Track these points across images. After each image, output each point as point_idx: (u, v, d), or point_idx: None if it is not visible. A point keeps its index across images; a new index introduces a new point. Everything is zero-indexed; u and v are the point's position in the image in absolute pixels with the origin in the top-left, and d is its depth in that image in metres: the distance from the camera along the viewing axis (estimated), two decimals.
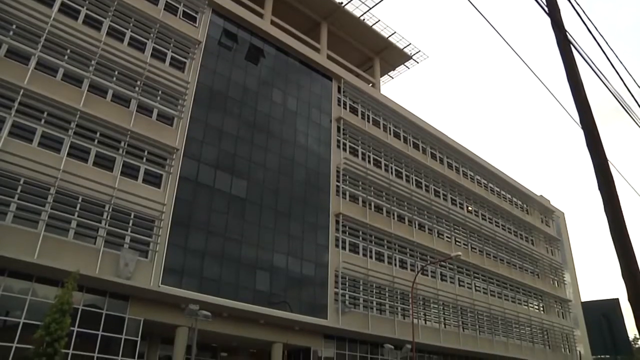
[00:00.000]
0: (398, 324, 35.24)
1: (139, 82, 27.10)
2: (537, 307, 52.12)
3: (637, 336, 49.12)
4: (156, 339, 28.41)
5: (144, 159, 26.39)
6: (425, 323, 38.10)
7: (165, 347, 28.27)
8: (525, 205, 57.55)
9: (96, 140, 24.84)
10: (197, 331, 21.97)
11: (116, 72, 26.42)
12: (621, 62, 9.71)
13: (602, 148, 7.79)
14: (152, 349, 28.27)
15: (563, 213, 67.19)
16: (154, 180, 26.58)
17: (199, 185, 28.18)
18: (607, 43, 9.14)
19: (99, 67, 25.80)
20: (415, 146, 44.53)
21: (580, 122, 8.04)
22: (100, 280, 22.81)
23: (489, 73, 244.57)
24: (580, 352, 53.04)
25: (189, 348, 23.22)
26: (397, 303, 36.18)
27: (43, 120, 23.23)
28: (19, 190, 21.59)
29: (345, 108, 39.07)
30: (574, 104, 8.11)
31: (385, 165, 40.47)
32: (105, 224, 23.86)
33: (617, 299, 7.28)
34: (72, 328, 18.73)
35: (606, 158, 7.74)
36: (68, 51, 24.92)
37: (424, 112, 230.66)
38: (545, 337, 51.01)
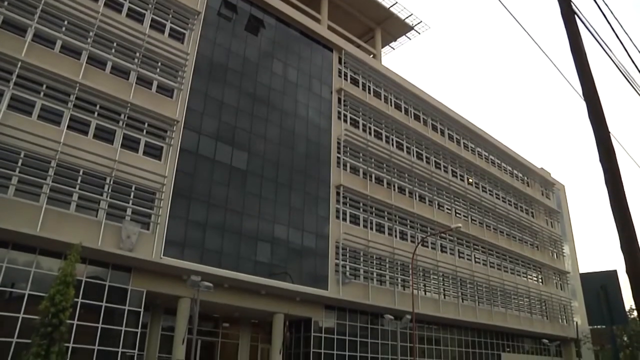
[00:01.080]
0: (398, 295, 35.62)
1: (138, 54, 26.86)
2: (535, 278, 52.63)
3: (633, 307, 49.72)
4: (159, 309, 28.77)
5: (144, 131, 26.32)
6: (425, 294, 38.51)
7: (167, 317, 28.63)
8: (525, 178, 57.59)
9: (96, 113, 24.74)
10: (199, 302, 22.21)
11: (115, 44, 26.15)
12: (626, 33, 9.59)
13: (605, 120, 7.75)
14: (155, 320, 28.64)
15: (563, 186, 67.27)
16: (154, 152, 26.56)
17: (199, 157, 28.16)
18: (612, 13, 9.01)
19: (97, 38, 25.52)
20: (417, 118, 44.34)
21: (583, 94, 7.98)
22: (102, 253, 23.00)
23: (491, 44, 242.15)
24: (577, 322, 53.74)
25: (191, 319, 23.50)
26: (397, 274, 36.51)
27: (42, 93, 23.10)
28: (19, 164, 21.61)
29: (346, 79, 38.78)
30: (577, 76, 8.05)
31: (386, 136, 40.36)
32: (107, 197, 23.95)
33: (615, 270, 7.32)
34: (76, 299, 18.94)
35: (608, 131, 7.71)
36: (65, 22, 24.63)
37: (425, 83, 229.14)
38: (544, 308, 51.61)
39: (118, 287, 24.42)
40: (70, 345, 20.59)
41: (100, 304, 23.58)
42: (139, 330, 24.92)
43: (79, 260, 16.85)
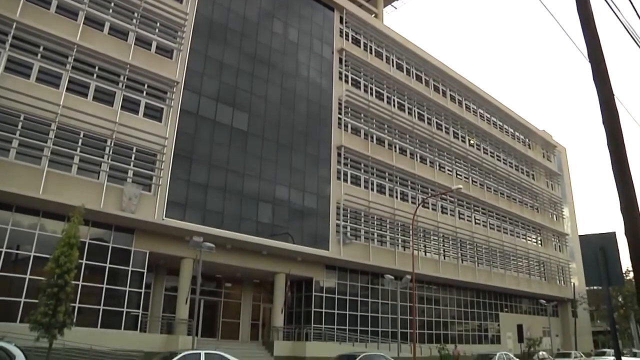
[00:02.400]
0: (398, 255, 36.01)
1: (136, 14, 26.43)
2: (535, 240, 53.12)
3: (629, 269, 50.45)
4: (162, 270, 29.16)
5: (144, 92, 26.13)
6: (425, 254, 38.92)
7: (171, 278, 29.05)
8: (527, 140, 57.44)
9: (95, 75, 24.51)
10: (202, 262, 22.48)
11: (112, 4, 25.69)
12: None
13: (609, 82, 7.68)
14: (158, 280, 29.06)
15: (565, 148, 67.14)
16: (154, 114, 26.44)
17: (200, 119, 28.04)
18: None
19: None
20: (418, 79, 43.91)
21: (588, 54, 7.88)
22: (105, 214, 23.16)
23: (494, 4, 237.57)
24: (574, 283, 54.50)
25: (194, 279, 23.83)
26: (397, 235, 36.83)
27: (39, 55, 22.81)
28: (20, 127, 21.54)
29: (347, 39, 38.24)
30: (582, 37, 7.93)
31: (388, 97, 40.06)
32: (108, 159, 23.95)
33: (614, 232, 7.35)
34: (80, 261, 19.20)
35: (612, 93, 7.64)
36: None
37: (428, 44, 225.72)
38: (542, 269, 52.25)
39: (121, 248, 24.69)
40: (77, 305, 21.01)
41: (104, 265, 23.89)
42: (142, 291, 25.32)
43: (81, 222, 17.01)
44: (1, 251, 21.04)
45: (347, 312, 33.69)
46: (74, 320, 16.86)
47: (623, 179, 7.25)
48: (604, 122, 7.60)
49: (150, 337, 25.16)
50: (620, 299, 52.75)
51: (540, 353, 33.63)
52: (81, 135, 23.35)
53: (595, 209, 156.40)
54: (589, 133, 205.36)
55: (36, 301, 16.44)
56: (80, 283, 22.06)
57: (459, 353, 34.45)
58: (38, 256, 21.37)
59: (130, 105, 25.55)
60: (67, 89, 23.39)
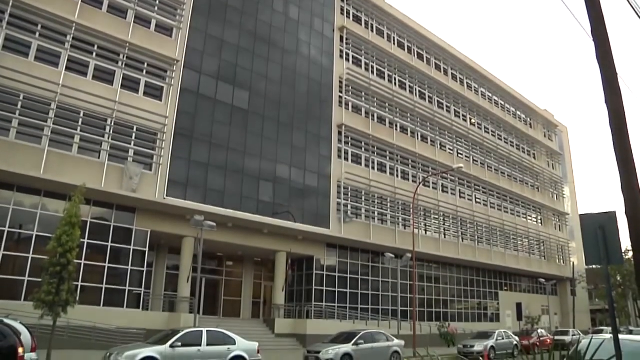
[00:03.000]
0: (399, 234, 36.15)
1: None
2: (535, 219, 53.24)
3: (629, 248, 50.67)
4: (164, 249, 29.32)
5: (144, 71, 25.99)
6: (426, 233, 39.06)
7: (172, 256, 29.23)
8: (528, 119, 57.20)
9: (94, 54, 24.34)
10: (203, 241, 22.58)
11: None
12: None
13: (613, 61, 7.62)
14: (160, 259, 29.24)
15: (566, 127, 66.89)
16: (155, 92, 26.32)
17: (200, 97, 27.91)
18: None
19: None
20: (420, 57, 43.57)
21: (592, 33, 7.81)
22: (106, 194, 23.21)
23: None
24: (573, 263, 54.77)
25: (195, 257, 23.96)
26: (398, 213, 36.92)
27: (38, 34, 22.62)
28: (19, 106, 21.48)
29: (348, 17, 37.86)
30: (586, 14, 7.85)
31: (389, 76, 39.82)
32: (108, 138, 23.93)
33: (615, 212, 7.34)
34: (82, 240, 19.27)
35: (616, 71, 7.59)
36: None
37: (429, 22, 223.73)
38: (542, 248, 52.46)
39: (123, 227, 24.81)
40: (79, 283, 21.17)
41: (106, 244, 24.04)
42: (144, 269, 25.51)
43: (83, 202, 17.01)
44: (4, 231, 21.19)
45: (348, 290, 33.94)
46: (77, 298, 16.98)
47: (624, 159, 7.25)
48: (606, 101, 7.56)
49: (153, 315, 25.41)
50: (619, 278, 53.07)
51: (540, 331, 33.85)
52: (81, 115, 23.28)
53: (595, 188, 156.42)
54: (591, 112, 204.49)
55: (39, 280, 16.55)
56: (83, 262, 22.23)
57: (453, 331, 34.72)
58: (40, 235, 21.52)
59: (130, 84, 25.42)
60: (67, 68, 23.25)
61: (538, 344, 26.19)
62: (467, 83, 48.15)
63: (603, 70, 7.62)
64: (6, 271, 21.17)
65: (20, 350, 10.64)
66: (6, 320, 12.04)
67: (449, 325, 35.60)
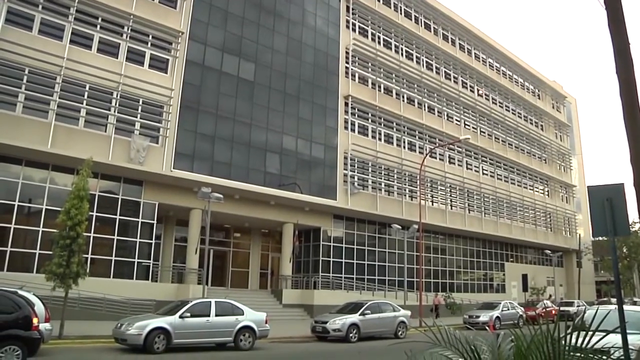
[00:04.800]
0: (405, 205, 36.22)
1: None
2: (542, 191, 53.10)
3: (636, 220, 50.63)
4: (171, 221, 29.56)
5: (149, 43, 25.81)
6: (432, 204, 39.11)
7: (180, 228, 29.48)
8: (537, 90, 56.55)
9: (98, 26, 24.16)
10: (210, 213, 22.69)
11: None
12: None
13: (625, 29, 7.48)
14: (168, 231, 29.50)
15: (575, 99, 66.11)
16: (160, 65, 26.19)
17: (206, 69, 27.75)
18: None
19: None
20: (427, 27, 42.94)
21: (604, 0, 7.65)
22: (113, 167, 23.32)
23: None
24: (580, 234, 54.81)
25: (203, 229, 24.14)
26: (405, 185, 36.94)
27: (40, 7, 22.41)
28: (25, 81, 21.45)
29: None
30: None
31: (396, 46, 39.36)
32: (114, 111, 23.92)
33: (622, 184, 7.31)
34: (91, 213, 19.45)
35: (628, 40, 7.46)
36: None
37: None
38: (548, 220, 52.44)
39: (131, 200, 24.99)
40: (89, 256, 21.43)
41: (114, 216, 24.25)
42: (153, 242, 25.79)
43: (90, 175, 17.11)
44: (14, 205, 21.41)
45: (355, 261, 34.22)
46: (87, 270, 17.23)
47: (634, 130, 7.17)
48: (617, 72, 7.45)
49: (162, 286, 25.74)
50: (625, 250, 53.14)
51: (545, 302, 34.08)
52: (87, 88, 23.24)
53: (604, 160, 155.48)
54: (601, 83, 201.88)
55: (50, 253, 16.78)
56: (92, 235, 22.49)
57: (439, 302, 34.70)
58: (50, 209, 21.74)
59: (135, 57, 25.29)
60: (71, 41, 23.11)
61: (543, 314, 26.42)
62: (474, 53, 47.55)
63: (614, 40, 7.48)
64: (18, 244, 21.50)
65: (35, 320, 10.88)
66: (20, 292, 12.28)
67: (436, 295, 35.39)
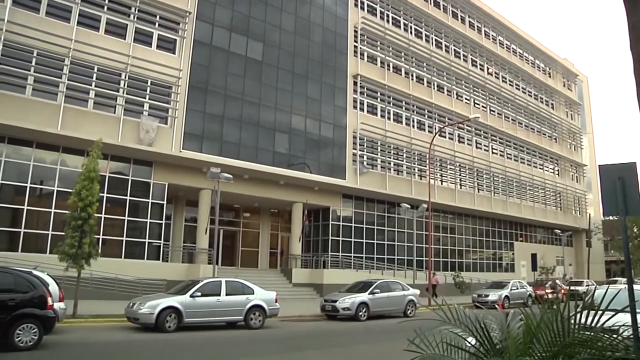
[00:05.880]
0: (415, 184, 36.18)
1: None
2: (552, 170, 52.75)
3: None
4: (181, 201, 29.73)
5: (156, 24, 25.72)
6: (442, 184, 39.03)
7: (190, 209, 29.67)
8: (547, 68, 55.79)
9: (105, 7, 24.09)
10: (220, 193, 22.76)
11: None
12: None
13: None
14: (178, 211, 29.69)
15: (587, 77, 65.27)
16: (168, 45, 26.12)
17: (214, 49, 27.64)
18: None
19: None
20: (436, 5, 42.34)
21: None
22: (123, 148, 23.42)
23: None
24: (590, 214, 54.52)
25: (212, 209, 24.26)
26: (414, 164, 36.86)
27: None
28: (33, 63, 21.49)
29: None
30: None
31: (405, 24, 38.93)
32: (123, 92, 23.95)
33: (634, 162, 7.26)
34: (101, 194, 19.56)
35: None
36: None
37: None
38: (558, 199, 52.21)
39: (141, 181, 25.14)
40: (101, 236, 21.67)
41: (124, 197, 24.44)
42: (163, 222, 26.00)
43: (100, 157, 17.22)
44: (26, 187, 21.64)
45: (364, 240, 34.32)
46: (99, 251, 17.42)
47: None
48: (631, 48, 7.32)
49: (173, 266, 26.01)
50: (635, 230, 52.84)
51: (556, 281, 34.03)
52: (95, 70, 23.27)
53: (615, 139, 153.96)
54: (614, 60, 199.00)
55: (62, 234, 16.97)
56: (103, 216, 22.68)
57: (437, 281, 34.33)
58: (61, 191, 21.93)
59: (142, 38, 25.24)
60: (78, 23, 23.10)
61: (552, 293, 26.44)
62: (484, 31, 46.94)
63: (629, 14, 7.35)
64: (31, 225, 21.76)
65: (49, 299, 11.07)
66: (34, 272, 12.46)
67: (433, 275, 34.77)
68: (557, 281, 34.04)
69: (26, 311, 10.56)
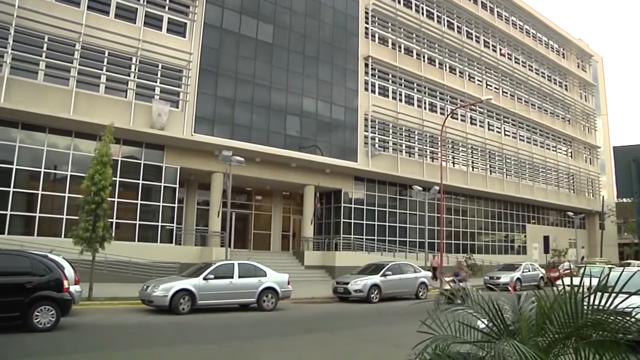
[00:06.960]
0: (426, 167, 36.07)
1: None
2: (565, 152, 52.22)
3: None
4: (193, 185, 29.88)
5: (166, 7, 25.66)
6: (454, 166, 38.86)
7: (202, 192, 29.81)
8: (561, 49, 54.90)
9: None
10: (232, 176, 22.81)
11: None
12: None
13: None
14: (190, 195, 29.86)
15: (601, 57, 64.14)
16: (178, 29, 26.08)
17: (224, 32, 27.56)
18: None
19: None
20: None
21: None
22: (135, 132, 23.54)
23: None
24: (603, 196, 54.02)
25: (224, 192, 24.37)
26: (426, 146, 36.70)
27: None
28: (45, 48, 21.58)
29: None
30: None
31: (416, 5, 38.48)
32: (134, 77, 24.01)
33: None
34: (114, 178, 19.76)
35: None
36: None
37: None
38: (571, 182, 51.79)
39: (153, 164, 25.29)
40: (114, 220, 21.83)
41: (137, 181, 24.61)
42: (175, 205, 26.18)
43: (112, 141, 17.31)
44: (41, 172, 21.88)
45: (376, 223, 34.36)
46: (113, 234, 17.60)
47: None
48: None
49: (186, 249, 26.23)
50: None
51: (565, 263, 33.88)
52: (106, 54, 23.32)
53: (630, 120, 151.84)
54: (629, 41, 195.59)
55: (77, 218, 17.16)
56: (116, 200, 22.89)
57: (437, 263, 34.02)
58: (74, 175, 22.15)
59: (153, 22, 25.22)
60: (89, 7, 23.16)
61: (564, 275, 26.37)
62: (497, 11, 46.27)
63: None
64: (45, 210, 22.04)
65: (65, 282, 11.25)
66: (50, 255, 12.64)
67: (434, 257, 34.39)
68: (566, 263, 33.93)
69: (43, 294, 10.76)
